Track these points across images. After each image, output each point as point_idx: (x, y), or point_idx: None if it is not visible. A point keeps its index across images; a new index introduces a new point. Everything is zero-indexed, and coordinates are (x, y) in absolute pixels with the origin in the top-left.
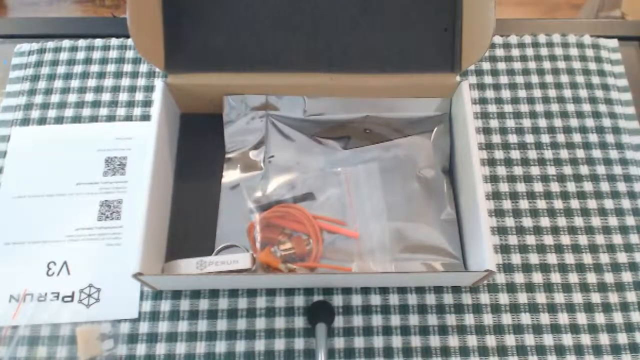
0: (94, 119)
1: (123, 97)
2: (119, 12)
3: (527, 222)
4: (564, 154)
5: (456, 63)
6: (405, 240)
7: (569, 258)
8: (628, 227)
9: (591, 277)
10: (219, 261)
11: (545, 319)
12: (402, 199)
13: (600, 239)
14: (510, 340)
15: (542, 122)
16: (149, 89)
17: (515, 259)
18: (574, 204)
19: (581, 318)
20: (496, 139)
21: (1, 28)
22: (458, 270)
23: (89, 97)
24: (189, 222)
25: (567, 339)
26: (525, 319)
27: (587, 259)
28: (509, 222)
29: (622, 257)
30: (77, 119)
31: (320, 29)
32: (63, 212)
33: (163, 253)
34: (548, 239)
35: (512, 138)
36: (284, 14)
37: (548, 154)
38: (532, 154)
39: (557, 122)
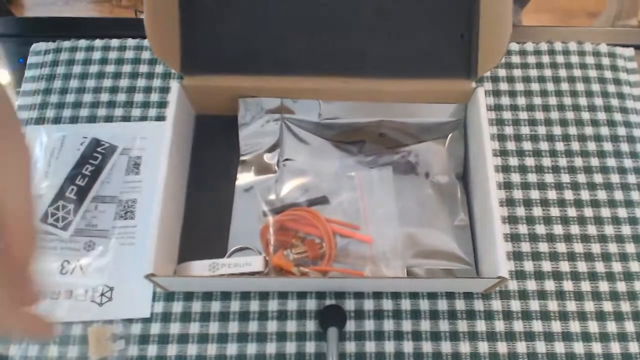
0: (109, 119)
1: (138, 97)
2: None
3: (540, 229)
4: (578, 162)
5: (472, 69)
6: (418, 245)
7: (582, 266)
8: None
9: (603, 286)
10: (231, 263)
11: (556, 326)
12: (416, 204)
13: (613, 248)
14: (521, 347)
15: (557, 130)
16: (165, 90)
17: (528, 266)
18: (588, 212)
19: (593, 326)
20: (511, 145)
21: (18, 27)
22: (470, 277)
23: (104, 97)
24: (202, 224)
25: (579, 347)
26: (537, 326)
27: (600, 267)
28: (522, 229)
29: (634, 266)
30: (92, 119)
31: (335, 33)
32: None
33: (176, 254)
34: (561, 247)
35: (527, 145)
36: (299, 17)
37: (562, 161)
38: (547, 162)
39: (572, 130)
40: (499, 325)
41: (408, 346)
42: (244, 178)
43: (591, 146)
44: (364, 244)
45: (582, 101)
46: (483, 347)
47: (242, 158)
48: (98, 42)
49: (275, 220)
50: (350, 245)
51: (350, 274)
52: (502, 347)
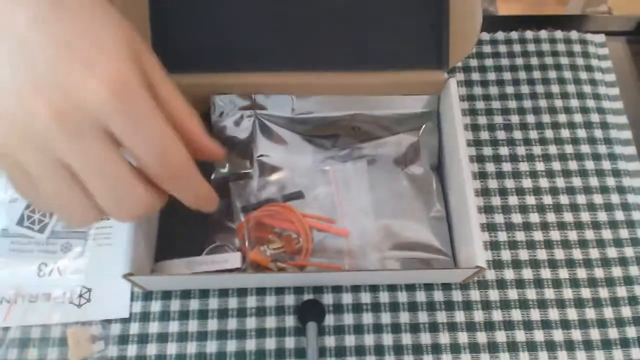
0: None
1: None
2: None
3: (517, 218)
4: (552, 149)
5: (443, 60)
6: (395, 237)
7: (559, 254)
8: (617, 221)
9: (581, 273)
10: (208, 261)
11: (535, 314)
12: (391, 197)
13: (589, 234)
14: (501, 336)
15: (531, 118)
16: None
17: (505, 255)
18: (563, 199)
19: (572, 313)
20: (484, 135)
21: None
22: (448, 267)
23: None
24: (178, 223)
25: (558, 335)
26: (516, 315)
27: (577, 254)
28: (498, 218)
29: (611, 252)
30: None
31: (305, 27)
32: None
33: (153, 254)
34: (538, 235)
35: (501, 134)
36: (270, 13)
37: (537, 149)
38: (521, 150)
39: (545, 118)
40: (478, 315)
41: (387, 339)
42: (219, 175)
43: (565, 133)
44: (341, 237)
45: (555, 89)
46: (462, 337)
47: None
48: None
49: (251, 216)
50: (327, 239)
51: (327, 268)
52: (481, 337)
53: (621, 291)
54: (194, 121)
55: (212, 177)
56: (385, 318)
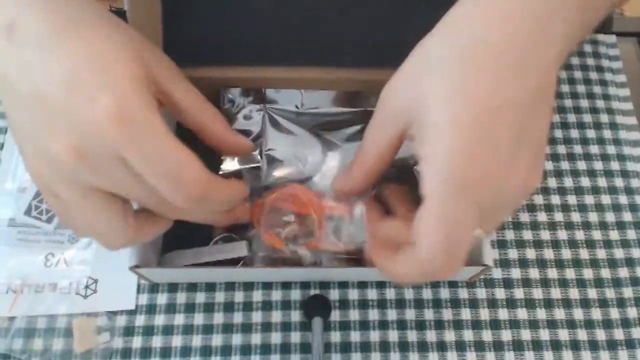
0: None
1: None
2: (117, 4)
3: (524, 217)
4: (561, 149)
5: None
6: None
7: (566, 253)
8: (625, 222)
9: (588, 273)
10: (215, 251)
11: (541, 314)
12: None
13: (597, 235)
14: (506, 335)
15: None
16: None
17: (512, 254)
18: (571, 199)
19: (577, 313)
20: None
21: None
22: None
23: None
24: None
25: (564, 334)
26: (522, 314)
27: (584, 254)
28: (506, 217)
29: (619, 253)
30: None
31: (316, 23)
32: None
33: (160, 245)
34: (545, 234)
35: None
36: (281, 8)
37: (546, 149)
38: None
39: (555, 118)
40: (484, 314)
41: (393, 335)
42: (228, 166)
43: (574, 133)
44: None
45: (565, 88)
46: (468, 335)
47: None
48: None
49: (264, 199)
50: (341, 224)
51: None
52: (487, 336)
53: (628, 292)
54: (214, 120)
55: (220, 172)
56: (391, 314)
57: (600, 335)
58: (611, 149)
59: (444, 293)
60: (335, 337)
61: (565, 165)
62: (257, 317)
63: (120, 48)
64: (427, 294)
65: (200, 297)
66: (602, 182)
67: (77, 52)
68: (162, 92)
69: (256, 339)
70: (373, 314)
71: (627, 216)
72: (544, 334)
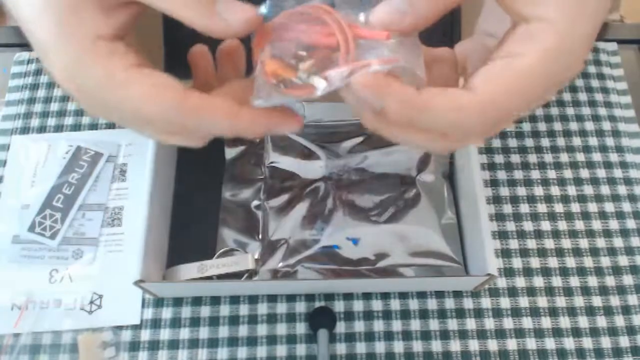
0: (94, 126)
1: None
2: None
3: (528, 226)
4: (564, 157)
5: None
6: (406, 244)
7: (570, 262)
8: (629, 230)
9: (592, 281)
10: (219, 264)
11: (546, 322)
12: (402, 203)
13: (601, 242)
14: (512, 344)
15: (542, 126)
16: None
17: (516, 262)
18: (575, 207)
19: (583, 321)
20: (496, 143)
21: (1, 37)
22: (459, 275)
23: None
24: (190, 228)
25: (569, 343)
26: (527, 323)
27: (588, 262)
28: (510, 226)
29: (623, 260)
30: (77, 127)
31: None
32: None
33: (164, 260)
34: (549, 243)
35: (512, 142)
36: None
37: (548, 157)
38: (532, 158)
39: (557, 126)
40: (489, 323)
41: (399, 346)
42: (230, 181)
43: (576, 141)
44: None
45: (566, 96)
46: (474, 345)
47: (228, 158)
48: None
49: (271, 22)
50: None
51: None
52: (492, 345)
53: (633, 299)
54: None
55: (223, 186)
56: (396, 325)
57: (606, 342)
58: (614, 157)
59: (449, 303)
60: (341, 348)
61: (568, 173)
62: (262, 330)
63: None
64: (432, 304)
65: (205, 311)
66: (605, 189)
67: None
68: None
69: (262, 352)
70: (378, 325)
71: (631, 223)
72: (550, 343)
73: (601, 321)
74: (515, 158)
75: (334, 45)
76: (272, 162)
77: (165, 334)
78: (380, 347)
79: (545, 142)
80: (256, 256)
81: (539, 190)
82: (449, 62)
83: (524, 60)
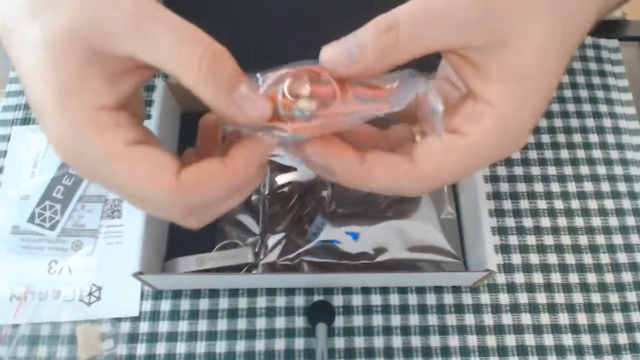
0: None
1: None
2: None
3: (528, 222)
4: (564, 154)
5: None
6: (405, 239)
7: (570, 258)
8: (628, 227)
9: (591, 277)
10: (218, 257)
11: (545, 319)
12: (402, 198)
13: (600, 239)
14: (510, 340)
15: (543, 122)
16: (150, 88)
17: (516, 258)
18: (575, 204)
19: (581, 318)
20: None
21: None
22: (458, 271)
23: None
24: None
25: (568, 339)
26: (526, 319)
27: (588, 259)
28: (509, 222)
29: (622, 257)
30: None
31: (321, 27)
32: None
33: (163, 252)
34: (548, 239)
35: None
36: (285, 12)
37: (548, 154)
38: (533, 154)
39: (558, 122)
40: (488, 319)
41: (397, 341)
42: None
43: (577, 138)
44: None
45: (567, 93)
46: (472, 340)
47: None
48: None
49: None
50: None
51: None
52: (491, 341)
53: (631, 296)
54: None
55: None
56: (395, 320)
57: (604, 339)
58: (614, 154)
59: (448, 298)
60: (339, 342)
61: (568, 170)
62: (261, 323)
63: None
64: (430, 299)
65: (204, 304)
66: (605, 186)
67: None
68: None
69: (260, 345)
70: (377, 320)
71: (630, 220)
72: (548, 339)
73: (600, 318)
74: (516, 154)
75: (330, 93)
76: (272, 156)
77: (163, 326)
78: (378, 341)
79: (545, 138)
80: (255, 249)
81: (539, 187)
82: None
83: (466, 140)
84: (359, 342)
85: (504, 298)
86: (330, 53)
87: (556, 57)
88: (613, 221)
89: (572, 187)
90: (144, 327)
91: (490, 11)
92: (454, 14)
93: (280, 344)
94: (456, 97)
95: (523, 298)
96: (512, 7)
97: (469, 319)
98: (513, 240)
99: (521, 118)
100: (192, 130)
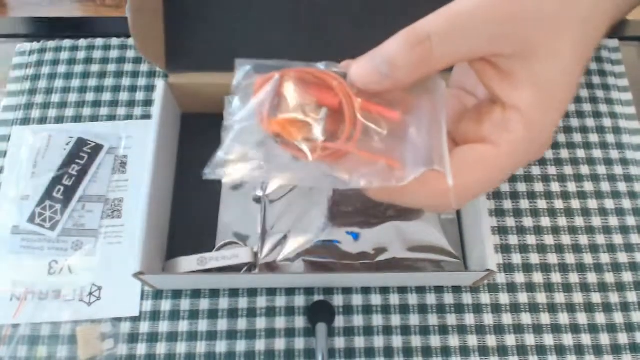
0: (94, 118)
1: (124, 96)
2: (120, 11)
3: (528, 222)
4: (564, 153)
5: None
6: (405, 239)
7: (570, 258)
8: (629, 227)
9: (592, 277)
10: (219, 257)
11: (545, 318)
12: None
13: (600, 239)
14: (510, 340)
15: None
16: (150, 88)
17: (516, 258)
18: (575, 203)
19: (582, 318)
20: None
21: (2, 27)
22: (459, 270)
23: (90, 96)
24: (189, 222)
25: (568, 339)
26: (526, 318)
27: (588, 258)
28: (510, 221)
29: (622, 257)
30: (77, 119)
31: (321, 28)
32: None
33: (164, 253)
34: (549, 239)
35: None
36: (285, 13)
37: (548, 153)
38: None
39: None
40: (488, 319)
41: (397, 341)
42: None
43: (577, 138)
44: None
45: None
46: (472, 340)
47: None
48: (82, 42)
49: (281, 74)
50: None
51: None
52: (491, 341)
53: (632, 296)
54: None
55: (224, 179)
56: (395, 320)
57: (605, 339)
58: (614, 154)
59: (448, 298)
60: (340, 342)
61: (568, 169)
62: (261, 323)
63: None
64: (430, 299)
65: (204, 304)
66: (605, 186)
67: None
68: None
69: (260, 345)
70: (377, 320)
71: (630, 220)
72: (548, 339)
73: (600, 318)
74: None
75: (336, 106)
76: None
77: (164, 326)
78: (379, 341)
79: None
80: (255, 249)
81: (539, 187)
82: None
83: (498, 151)
84: (359, 342)
85: (504, 298)
86: (360, 73)
87: (579, 64)
88: (613, 221)
89: (572, 186)
90: (144, 327)
91: (519, 21)
92: (486, 26)
93: (280, 344)
94: (471, 104)
95: (523, 298)
96: (543, 16)
97: (469, 319)
98: (513, 240)
99: (549, 124)
100: (192, 130)
